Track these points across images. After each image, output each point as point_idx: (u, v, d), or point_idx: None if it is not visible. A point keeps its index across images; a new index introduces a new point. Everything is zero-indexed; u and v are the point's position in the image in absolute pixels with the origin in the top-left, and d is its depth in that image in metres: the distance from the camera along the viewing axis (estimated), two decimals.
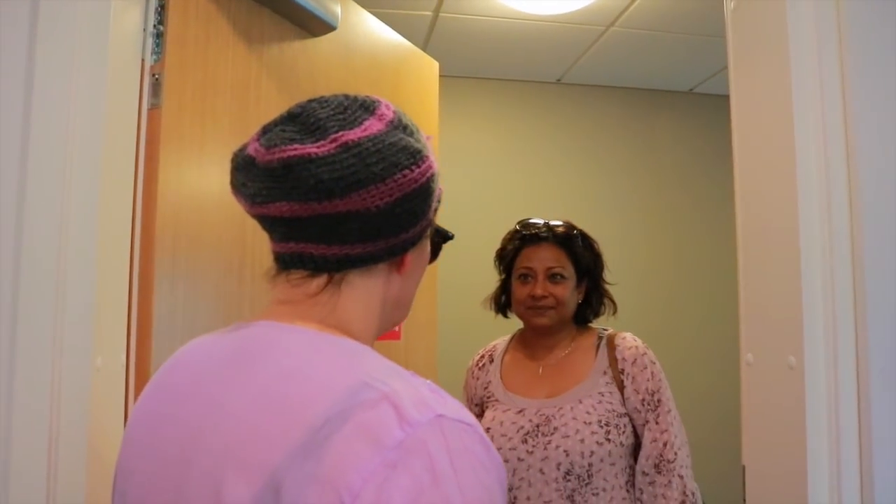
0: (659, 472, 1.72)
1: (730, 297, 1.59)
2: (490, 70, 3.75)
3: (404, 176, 0.73)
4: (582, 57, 3.56)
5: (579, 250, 1.89)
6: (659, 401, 1.76)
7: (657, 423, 1.75)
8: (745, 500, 1.47)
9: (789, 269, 1.34)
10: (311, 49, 1.76)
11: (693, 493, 1.72)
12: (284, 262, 0.79)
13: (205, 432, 0.69)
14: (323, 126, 0.74)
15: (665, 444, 1.73)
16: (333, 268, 0.77)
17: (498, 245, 1.99)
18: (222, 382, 0.73)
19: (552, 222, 1.91)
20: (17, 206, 1.05)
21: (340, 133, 0.73)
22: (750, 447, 1.47)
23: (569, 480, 1.67)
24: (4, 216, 1.04)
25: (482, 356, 2.00)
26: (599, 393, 1.77)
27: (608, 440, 1.70)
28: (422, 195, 0.76)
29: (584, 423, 1.71)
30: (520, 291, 1.86)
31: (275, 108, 1.60)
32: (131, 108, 1.31)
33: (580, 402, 1.75)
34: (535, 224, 1.91)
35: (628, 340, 1.85)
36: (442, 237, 0.91)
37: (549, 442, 1.70)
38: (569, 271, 1.86)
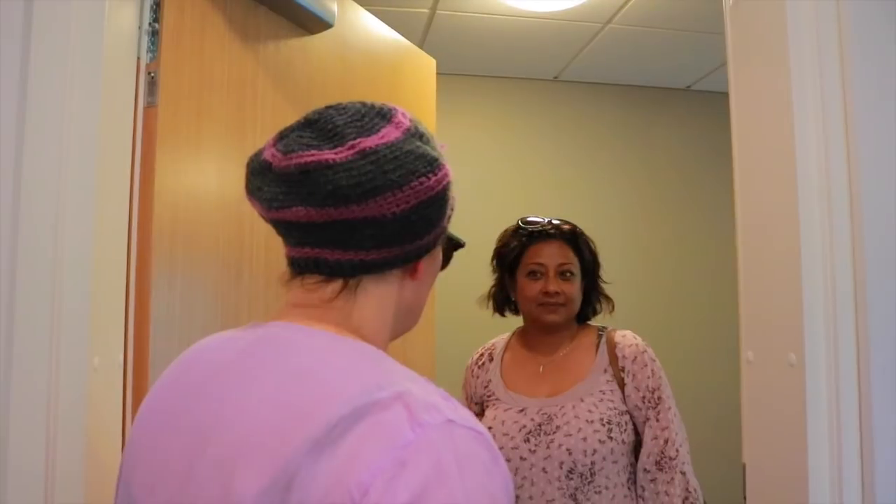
0: (661, 470, 1.72)
1: (730, 294, 1.59)
2: (487, 68, 3.74)
3: (421, 183, 0.74)
4: (579, 54, 3.55)
5: (583, 248, 1.90)
6: (659, 398, 1.76)
7: (658, 420, 1.74)
8: (745, 499, 1.46)
9: (789, 267, 1.34)
10: (308, 47, 1.75)
11: (695, 490, 1.72)
12: (299, 267, 0.80)
13: (217, 427, 0.70)
14: (341, 133, 0.74)
15: (666, 441, 1.73)
16: (348, 273, 0.78)
17: (495, 243, 1.99)
18: (237, 379, 0.74)
19: (555, 220, 1.90)
20: (12, 206, 1.05)
21: (358, 140, 0.74)
22: (750, 445, 1.46)
23: (571, 479, 1.67)
24: (1, 217, 1.03)
25: (481, 354, 2.00)
26: (601, 391, 1.77)
27: (610, 438, 1.70)
28: (437, 203, 0.77)
29: (587, 421, 1.70)
30: (530, 288, 1.85)
31: (271, 106, 1.62)
32: (127, 106, 1.30)
33: (582, 400, 1.75)
34: (538, 221, 1.90)
35: (628, 338, 1.85)
36: (454, 245, 0.92)
37: (552, 441, 1.70)
38: (576, 269, 1.87)
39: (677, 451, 1.73)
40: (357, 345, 0.76)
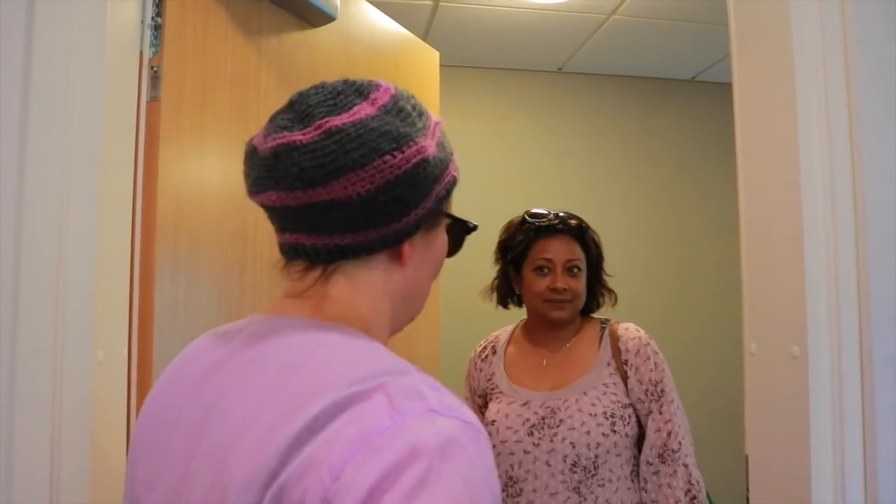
0: (663, 462, 1.72)
1: (734, 286, 1.59)
2: (491, 59, 3.73)
3: (385, 162, 0.71)
4: (583, 46, 3.54)
5: (590, 243, 1.89)
6: (662, 391, 1.76)
7: (661, 412, 1.74)
8: (748, 490, 1.47)
9: (792, 258, 1.33)
10: (311, 40, 1.75)
11: (697, 482, 1.72)
12: (285, 253, 0.79)
13: (212, 419, 0.70)
14: (311, 113, 0.73)
15: (669, 434, 1.73)
16: (325, 259, 0.76)
17: (498, 235, 1.98)
18: (231, 374, 0.73)
19: (561, 214, 1.89)
20: (16, 201, 1.05)
21: (326, 119, 0.72)
22: (753, 437, 1.47)
23: (575, 472, 1.67)
24: (4, 212, 1.04)
25: (484, 347, 1.99)
26: (604, 384, 1.77)
27: (614, 431, 1.70)
28: (408, 183, 0.73)
29: (590, 414, 1.70)
30: (537, 284, 1.84)
31: (274, 100, 1.60)
32: (130, 101, 1.30)
33: (585, 393, 1.75)
34: (545, 215, 1.88)
35: (631, 331, 1.84)
36: (465, 228, 0.88)
37: (556, 434, 1.70)
38: (583, 264, 1.86)
39: (680, 443, 1.73)
40: (346, 335, 0.74)
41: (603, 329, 1.87)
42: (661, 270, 3.85)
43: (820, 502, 1.28)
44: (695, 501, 1.70)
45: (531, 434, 1.73)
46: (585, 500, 1.67)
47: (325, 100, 0.74)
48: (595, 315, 1.95)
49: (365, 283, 0.78)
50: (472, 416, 0.67)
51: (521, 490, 1.72)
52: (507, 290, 1.97)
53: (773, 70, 1.40)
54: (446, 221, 0.84)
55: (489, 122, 3.84)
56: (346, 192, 0.71)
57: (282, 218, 0.76)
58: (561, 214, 1.89)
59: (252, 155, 0.76)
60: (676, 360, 3.11)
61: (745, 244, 1.51)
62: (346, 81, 0.77)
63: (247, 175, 0.77)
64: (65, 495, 1.05)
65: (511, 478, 1.74)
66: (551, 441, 1.70)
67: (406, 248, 0.78)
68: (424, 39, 3.33)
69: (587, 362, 1.82)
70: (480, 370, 1.96)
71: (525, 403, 1.79)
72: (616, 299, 1.95)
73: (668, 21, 3.24)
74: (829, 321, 1.30)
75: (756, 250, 1.48)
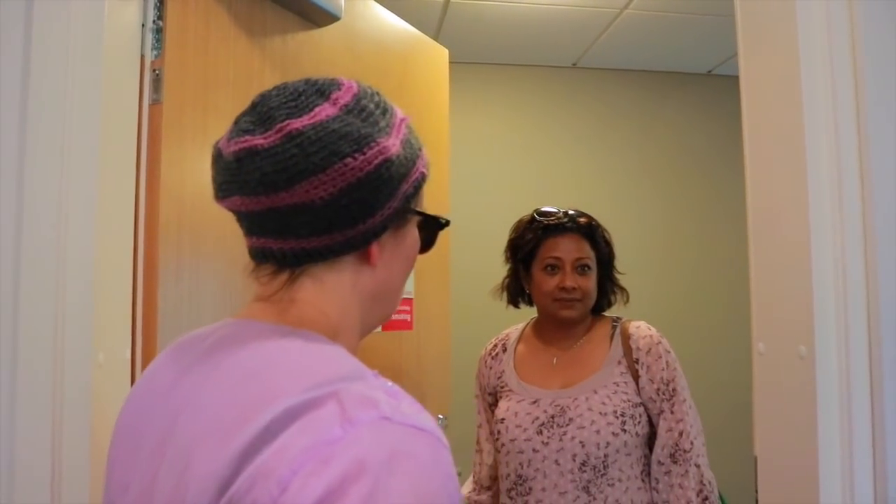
0: (675, 462, 1.71)
1: (748, 283, 1.57)
2: (505, 56, 3.72)
3: (345, 165, 0.70)
4: (597, 40, 3.51)
5: (600, 241, 1.87)
6: (674, 390, 1.74)
7: (672, 412, 1.73)
8: (756, 492, 1.45)
9: (799, 257, 1.32)
10: (316, 39, 1.75)
11: (710, 483, 1.70)
12: (254, 257, 0.78)
13: (177, 425, 0.70)
14: (272, 115, 0.72)
15: (681, 434, 1.71)
16: (292, 262, 0.75)
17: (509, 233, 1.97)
18: (196, 380, 0.73)
19: (570, 212, 1.87)
20: (16, 205, 1.06)
21: (287, 122, 0.71)
22: (762, 438, 1.45)
23: (584, 471, 1.66)
24: (4, 214, 1.05)
25: (495, 345, 1.98)
26: (614, 383, 1.75)
27: (624, 430, 1.68)
28: (371, 184, 0.72)
29: (600, 413, 1.69)
30: (546, 283, 1.82)
31: None
32: (131, 103, 1.31)
33: (595, 392, 1.74)
34: (554, 213, 1.87)
35: (642, 329, 1.82)
36: (437, 225, 0.86)
37: (565, 433, 1.69)
38: (593, 262, 1.84)
39: (692, 443, 1.71)
40: (306, 340, 0.73)
41: (614, 327, 1.85)
42: (676, 268, 3.82)
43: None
44: (706, 502, 1.68)
45: (540, 432, 1.72)
46: (595, 499, 1.66)
47: (286, 101, 0.73)
48: (607, 313, 1.94)
49: (333, 286, 0.77)
50: (428, 423, 0.65)
51: (530, 489, 1.71)
52: (517, 290, 1.96)
53: (780, 68, 1.38)
54: (417, 219, 0.83)
55: (503, 119, 3.83)
56: (308, 196, 0.70)
57: (248, 222, 0.76)
58: (570, 212, 1.87)
59: (218, 159, 0.75)
60: (690, 358, 3.08)
61: (753, 242, 1.49)
62: (307, 81, 0.76)
63: (213, 179, 0.76)
64: (66, 496, 1.06)
65: (520, 476, 1.73)
66: (560, 440, 1.69)
67: (374, 248, 0.77)
68: (436, 36, 3.33)
69: (597, 361, 1.81)
70: (490, 368, 1.95)
71: (535, 402, 1.78)
72: (628, 297, 1.93)
73: (683, 14, 3.21)
74: (837, 321, 1.28)
75: (763, 249, 1.46)
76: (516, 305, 1.97)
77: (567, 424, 1.70)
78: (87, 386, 1.10)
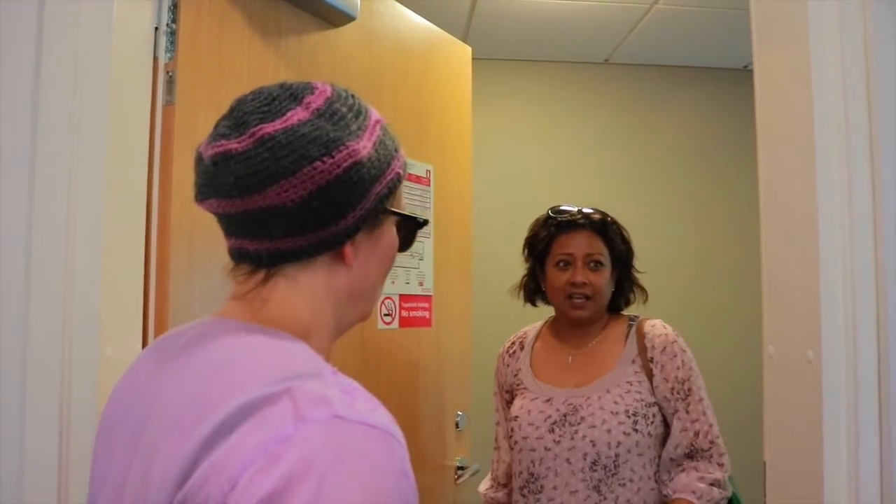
0: (691, 459, 1.70)
1: None
2: (535, 52, 3.70)
3: (315, 168, 0.72)
4: (629, 35, 3.47)
5: (614, 237, 1.86)
6: (689, 389, 1.73)
7: (687, 412, 1.71)
8: (765, 497, 1.43)
9: (807, 259, 1.30)
10: (332, 40, 1.77)
11: (723, 481, 1.68)
12: (232, 257, 0.81)
13: (149, 420, 0.72)
14: (246, 120, 0.74)
15: (697, 434, 1.70)
16: (267, 263, 0.77)
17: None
18: (169, 375, 0.75)
19: (585, 209, 1.87)
20: (26, 203, 1.10)
21: (259, 126, 0.73)
22: (770, 443, 1.43)
23: (595, 470, 1.66)
24: (14, 213, 1.09)
25: (513, 343, 1.99)
26: (628, 382, 1.74)
27: (635, 430, 1.68)
28: (341, 187, 0.74)
29: (612, 413, 1.69)
30: (558, 279, 1.83)
31: None
32: (143, 105, 1.34)
33: (608, 391, 1.73)
34: (568, 210, 1.88)
35: (658, 328, 1.81)
36: (415, 223, 0.88)
37: (576, 432, 1.69)
38: (606, 259, 1.84)
39: (711, 442, 1.70)
40: (269, 336, 0.74)
41: (630, 326, 1.85)
42: (703, 267, 3.75)
43: None
44: (714, 489, 1.66)
45: (552, 431, 1.72)
46: (605, 499, 1.66)
47: (260, 106, 0.75)
48: (625, 312, 1.93)
49: (307, 286, 0.78)
50: (382, 421, 0.66)
51: (541, 487, 1.72)
52: (533, 288, 1.96)
53: (791, 65, 1.36)
54: (394, 218, 0.84)
55: (533, 117, 3.80)
56: (280, 198, 0.72)
57: (226, 224, 0.78)
58: (585, 210, 1.87)
59: (198, 162, 0.78)
60: (714, 360, 3.04)
61: (765, 244, 1.48)
62: (282, 85, 0.78)
63: (194, 182, 0.79)
64: (73, 489, 1.10)
65: (532, 474, 1.74)
66: (572, 439, 1.69)
67: (348, 248, 0.78)
68: (466, 34, 3.33)
69: (612, 360, 1.80)
70: (508, 366, 1.96)
71: (548, 400, 1.78)
72: (647, 297, 1.92)
73: (718, 9, 3.15)
74: (846, 325, 1.25)
75: (774, 250, 1.44)
76: (533, 303, 1.98)
77: (579, 423, 1.70)
78: (95, 378, 1.14)
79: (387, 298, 1.95)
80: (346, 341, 1.80)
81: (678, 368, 1.74)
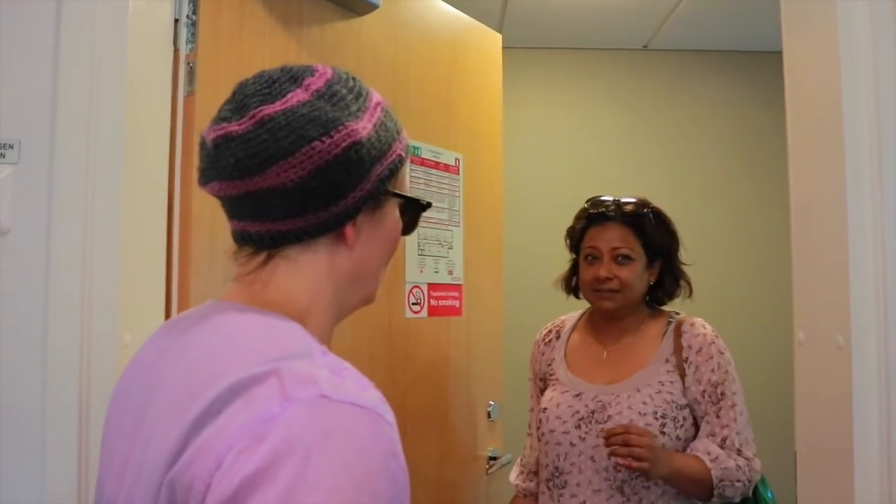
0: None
1: None
2: (572, 39, 3.65)
3: (313, 148, 0.72)
4: (668, 20, 3.40)
5: (649, 229, 1.78)
6: (722, 394, 1.65)
7: (718, 416, 1.64)
8: (796, 487, 1.40)
9: (837, 242, 1.26)
10: (356, 29, 1.77)
11: (748, 467, 1.61)
12: (235, 240, 0.81)
13: (151, 400, 0.73)
14: (247, 103, 0.75)
15: (724, 440, 1.61)
16: (269, 245, 0.78)
17: (570, 219, 1.92)
18: (170, 357, 0.76)
19: (622, 199, 1.81)
20: (46, 191, 1.14)
21: (259, 109, 0.73)
22: (802, 429, 1.39)
23: (619, 471, 1.61)
24: (33, 203, 1.12)
25: (549, 331, 1.95)
26: (659, 382, 1.68)
27: (662, 433, 1.62)
28: (339, 167, 0.74)
29: (640, 413, 1.63)
30: (586, 273, 1.79)
31: None
32: (164, 96, 1.37)
33: (638, 391, 1.68)
34: (603, 202, 1.82)
35: (697, 327, 1.74)
36: (419, 206, 0.88)
37: (602, 430, 1.65)
38: (637, 252, 1.76)
39: (738, 451, 1.62)
40: (266, 319, 0.74)
41: (669, 323, 1.78)
42: (742, 256, 3.66)
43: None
44: (730, 460, 1.59)
45: (579, 427, 1.69)
46: (629, 500, 1.61)
47: (261, 89, 0.75)
48: (667, 308, 1.85)
49: (308, 267, 0.79)
50: (371, 400, 0.65)
51: (565, 482, 1.69)
52: (574, 280, 1.91)
53: (820, 51, 1.31)
54: (397, 201, 0.84)
55: (570, 105, 3.76)
56: (279, 179, 0.73)
57: (229, 207, 0.79)
58: (621, 200, 1.81)
59: (202, 146, 0.79)
60: (756, 349, 2.95)
61: (795, 228, 1.44)
62: (283, 69, 0.79)
63: (198, 166, 0.80)
64: (93, 474, 1.12)
65: (557, 468, 1.71)
66: (598, 437, 1.65)
67: (349, 230, 0.78)
68: (501, 22, 3.31)
69: (646, 357, 1.74)
70: (543, 354, 1.92)
71: (578, 395, 1.74)
72: (691, 291, 1.84)
73: None
74: (876, 309, 1.22)
75: (803, 234, 1.40)
76: (576, 296, 1.92)
77: (605, 421, 1.66)
78: (113, 364, 1.16)
79: (415, 287, 1.95)
80: (373, 330, 1.81)
81: (713, 371, 1.67)
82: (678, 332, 1.74)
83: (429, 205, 0.89)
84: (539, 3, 3.22)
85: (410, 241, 1.94)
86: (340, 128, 0.74)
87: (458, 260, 2.12)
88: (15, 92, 1.13)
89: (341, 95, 0.77)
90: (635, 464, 1.49)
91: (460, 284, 2.12)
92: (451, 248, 2.09)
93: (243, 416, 0.62)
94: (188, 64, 1.41)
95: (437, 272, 2.03)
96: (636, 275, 1.77)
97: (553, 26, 3.48)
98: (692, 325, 1.75)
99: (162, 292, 1.34)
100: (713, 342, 1.71)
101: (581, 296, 1.91)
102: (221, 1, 1.45)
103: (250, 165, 0.73)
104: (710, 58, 3.76)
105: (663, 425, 1.62)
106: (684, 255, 1.85)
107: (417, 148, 1.93)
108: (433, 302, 2.02)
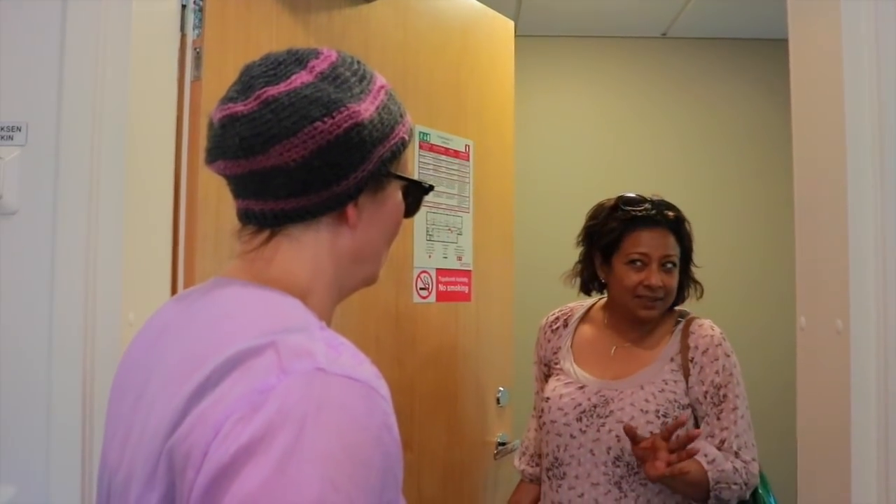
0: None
1: None
2: (589, 28, 3.62)
3: (315, 129, 0.74)
4: (686, 6, 3.37)
5: (685, 236, 1.76)
6: (724, 396, 1.63)
7: (718, 419, 1.62)
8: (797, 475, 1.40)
9: (838, 227, 1.25)
10: (364, 15, 1.78)
11: (744, 470, 1.59)
12: (240, 218, 0.83)
13: (153, 372, 0.76)
14: (252, 84, 0.77)
15: (723, 442, 1.60)
16: (271, 223, 0.79)
17: (585, 207, 1.88)
18: (173, 333, 0.79)
19: (656, 200, 1.76)
20: (52, 174, 1.17)
21: (264, 90, 0.75)
22: (802, 413, 1.39)
23: (618, 466, 1.62)
24: (38, 185, 1.15)
25: (557, 318, 1.93)
26: (663, 380, 1.67)
27: None
28: (341, 147, 0.76)
29: (641, 410, 1.63)
30: (629, 278, 1.71)
31: None
32: (170, 81, 1.39)
33: (641, 388, 1.67)
34: (642, 203, 1.76)
35: (705, 328, 1.72)
36: (421, 189, 0.89)
37: (603, 424, 1.65)
38: (678, 259, 1.74)
39: (735, 454, 1.59)
40: (266, 294, 0.76)
41: (678, 323, 1.76)
42: (763, 259, 3.60)
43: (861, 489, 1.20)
44: (737, 459, 1.58)
45: (580, 420, 1.69)
46: (626, 496, 1.62)
47: (266, 70, 0.78)
48: (678, 308, 1.82)
49: (310, 246, 0.80)
50: (366, 374, 0.67)
51: (564, 473, 1.69)
52: (590, 277, 1.86)
53: (824, 40, 1.30)
54: (400, 183, 0.86)
55: (586, 93, 3.74)
56: (282, 158, 0.75)
57: (234, 185, 0.81)
58: (657, 202, 1.76)
59: (209, 127, 0.81)
60: (766, 337, 2.92)
61: (798, 213, 1.43)
62: (289, 51, 0.80)
63: (205, 146, 0.82)
64: (97, 451, 1.15)
65: (557, 458, 1.72)
66: (598, 430, 1.65)
67: (350, 210, 0.80)
68: (518, 9, 3.30)
69: (651, 355, 1.73)
70: (549, 341, 1.91)
71: (581, 387, 1.73)
72: (702, 292, 1.82)
73: None
74: (875, 294, 1.21)
75: (806, 220, 1.40)
76: (588, 293, 1.90)
77: (607, 416, 1.66)
78: (117, 342, 1.19)
79: (423, 272, 1.97)
80: (380, 313, 1.83)
81: (717, 373, 1.65)
82: (686, 332, 1.73)
83: (431, 188, 0.91)
84: None
85: (419, 226, 1.96)
86: (342, 109, 0.76)
87: (468, 246, 2.13)
88: (22, 75, 1.17)
89: (345, 78, 0.78)
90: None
91: (469, 270, 2.14)
92: (460, 234, 2.10)
93: (241, 386, 0.64)
94: (195, 49, 1.44)
95: (445, 258, 2.05)
96: (676, 281, 1.75)
97: (571, 14, 3.46)
98: (700, 325, 1.74)
99: (167, 272, 1.37)
100: (720, 344, 1.69)
101: (593, 293, 1.88)
102: None
103: (254, 144, 0.75)
104: (731, 46, 3.72)
105: (664, 424, 1.61)
106: (697, 255, 1.82)
107: (426, 133, 1.94)
108: (441, 287, 2.03)
